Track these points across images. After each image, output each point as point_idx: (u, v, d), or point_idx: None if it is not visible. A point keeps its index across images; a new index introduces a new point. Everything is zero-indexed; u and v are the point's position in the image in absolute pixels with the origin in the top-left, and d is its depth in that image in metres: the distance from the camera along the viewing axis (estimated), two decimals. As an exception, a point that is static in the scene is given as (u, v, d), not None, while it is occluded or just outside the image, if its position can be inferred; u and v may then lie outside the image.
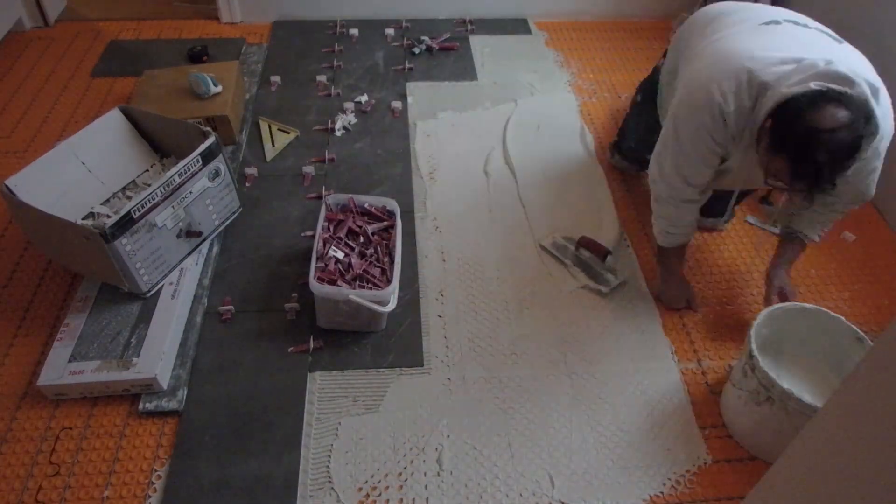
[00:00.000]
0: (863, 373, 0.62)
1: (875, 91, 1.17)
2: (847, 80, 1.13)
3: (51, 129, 2.08)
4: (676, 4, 2.70)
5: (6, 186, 1.44)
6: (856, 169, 1.20)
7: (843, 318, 1.33)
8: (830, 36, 1.30)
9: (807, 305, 1.37)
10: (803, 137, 1.12)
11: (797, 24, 1.31)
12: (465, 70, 2.41)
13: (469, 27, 2.65)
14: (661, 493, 1.29)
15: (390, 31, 2.59)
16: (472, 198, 1.90)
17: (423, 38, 2.51)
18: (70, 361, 1.37)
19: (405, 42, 2.53)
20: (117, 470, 1.29)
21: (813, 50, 1.21)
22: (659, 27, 2.72)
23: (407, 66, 2.40)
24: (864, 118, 1.12)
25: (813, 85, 1.12)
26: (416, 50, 2.48)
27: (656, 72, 1.73)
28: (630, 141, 1.88)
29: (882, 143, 1.26)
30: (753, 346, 1.26)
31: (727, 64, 1.25)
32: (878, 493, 0.57)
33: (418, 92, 2.29)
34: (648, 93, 1.75)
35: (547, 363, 1.50)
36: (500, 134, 2.13)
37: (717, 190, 1.56)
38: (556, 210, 1.86)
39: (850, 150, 1.12)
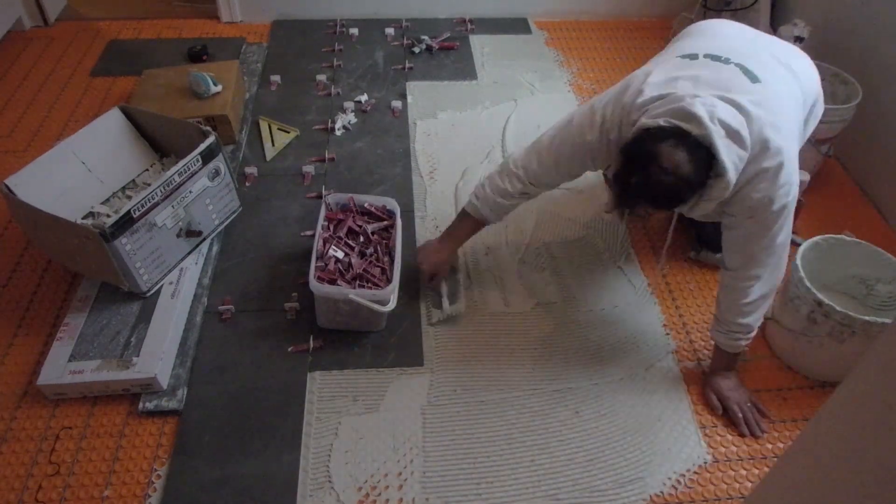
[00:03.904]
0: (863, 373, 0.62)
1: (736, 136, 1.13)
2: (696, 119, 1.11)
3: (50, 129, 2.08)
4: (676, 4, 2.70)
5: (6, 186, 1.44)
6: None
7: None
8: (748, 73, 1.22)
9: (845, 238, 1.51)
10: (637, 158, 1.15)
11: (717, 58, 1.26)
12: (465, 70, 2.41)
13: (469, 26, 2.65)
14: (661, 492, 1.29)
15: (390, 31, 2.59)
16: (472, 197, 1.90)
17: (423, 37, 2.51)
18: (70, 361, 1.37)
19: (405, 41, 2.53)
20: (117, 469, 1.28)
21: (708, 86, 1.19)
22: (659, 26, 2.72)
23: (407, 65, 2.40)
24: (698, 164, 1.12)
25: (661, 121, 1.13)
26: (416, 49, 2.48)
27: None
28: None
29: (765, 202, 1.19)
30: (821, 296, 1.36)
31: (624, 95, 1.27)
32: (878, 492, 0.57)
33: (418, 91, 2.29)
34: None
35: (547, 363, 1.50)
36: (500, 134, 2.13)
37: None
38: (555, 208, 1.87)
39: (668, 192, 1.14)
